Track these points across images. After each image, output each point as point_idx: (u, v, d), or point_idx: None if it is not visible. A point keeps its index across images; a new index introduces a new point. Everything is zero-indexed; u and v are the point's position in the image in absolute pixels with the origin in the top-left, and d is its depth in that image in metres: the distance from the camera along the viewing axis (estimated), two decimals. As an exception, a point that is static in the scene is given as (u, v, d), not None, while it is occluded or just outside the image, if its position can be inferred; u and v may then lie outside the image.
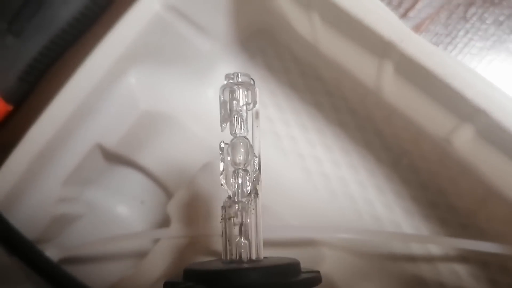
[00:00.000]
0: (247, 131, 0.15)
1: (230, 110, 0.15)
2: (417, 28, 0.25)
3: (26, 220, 0.22)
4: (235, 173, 0.14)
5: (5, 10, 0.25)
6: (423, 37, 0.18)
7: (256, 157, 0.15)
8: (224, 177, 0.15)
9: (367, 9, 0.18)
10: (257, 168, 0.15)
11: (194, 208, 0.22)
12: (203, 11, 0.22)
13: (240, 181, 0.14)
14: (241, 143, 0.15)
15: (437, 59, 0.17)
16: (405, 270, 0.23)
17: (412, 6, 0.25)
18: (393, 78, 0.20)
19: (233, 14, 0.23)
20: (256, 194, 0.14)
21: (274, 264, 0.14)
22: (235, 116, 0.15)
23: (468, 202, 0.22)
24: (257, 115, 0.15)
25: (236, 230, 0.14)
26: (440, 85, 0.17)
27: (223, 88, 0.15)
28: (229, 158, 0.14)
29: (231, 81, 0.15)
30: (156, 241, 0.22)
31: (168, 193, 0.24)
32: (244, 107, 0.15)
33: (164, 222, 0.24)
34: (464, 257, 0.22)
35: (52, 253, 0.23)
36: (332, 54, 0.22)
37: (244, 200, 0.14)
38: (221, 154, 0.15)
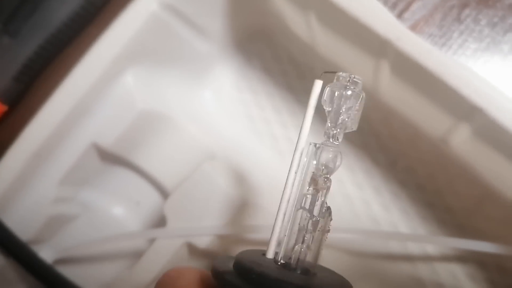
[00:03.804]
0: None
1: (336, 113, 0.14)
2: (411, 30, 0.25)
3: (21, 220, 0.22)
4: (317, 179, 0.14)
5: (1, 10, 0.25)
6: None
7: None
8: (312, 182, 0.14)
9: (363, 8, 0.18)
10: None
11: (190, 208, 0.21)
12: (200, 11, 0.22)
13: (320, 191, 0.14)
14: (332, 150, 0.14)
15: (433, 57, 0.17)
16: (402, 270, 0.23)
17: (406, 8, 0.25)
18: (390, 78, 0.20)
19: (230, 15, 0.23)
20: (329, 209, 0.14)
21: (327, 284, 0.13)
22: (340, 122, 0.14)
23: (465, 203, 0.22)
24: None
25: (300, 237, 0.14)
26: (436, 83, 0.17)
27: (338, 88, 0.14)
28: (314, 162, 0.14)
29: (342, 82, 0.14)
30: (152, 241, 0.22)
31: (164, 194, 0.24)
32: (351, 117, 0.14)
33: (160, 223, 0.23)
34: (462, 257, 0.22)
35: (47, 253, 0.23)
36: (329, 55, 0.22)
37: (318, 213, 0.14)
38: (310, 156, 0.14)
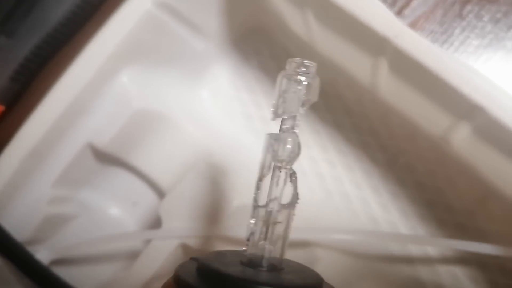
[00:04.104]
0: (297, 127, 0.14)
1: (289, 102, 0.14)
2: (412, 26, 0.24)
3: (17, 221, 0.22)
4: (277, 171, 0.13)
5: (-3, 10, 0.25)
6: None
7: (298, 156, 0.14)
8: (262, 172, 0.14)
9: (361, 5, 0.18)
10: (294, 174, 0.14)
11: (187, 209, 0.21)
12: (196, 9, 0.22)
13: (282, 182, 0.13)
14: (289, 139, 0.14)
15: (432, 55, 0.17)
16: (402, 271, 0.22)
17: (406, 4, 0.25)
18: (389, 76, 0.19)
19: (226, 12, 0.23)
20: (297, 198, 0.14)
21: (294, 284, 0.13)
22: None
23: (466, 202, 0.22)
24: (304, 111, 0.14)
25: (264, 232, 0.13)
26: (436, 81, 0.17)
27: (285, 76, 0.14)
28: (272, 153, 0.14)
29: (298, 70, 0.14)
30: (148, 242, 0.22)
31: (160, 194, 0.24)
32: (303, 104, 0.14)
33: (157, 223, 0.23)
34: (463, 258, 0.22)
35: (44, 254, 0.23)
36: (327, 53, 0.22)
37: (284, 204, 0.13)
38: (268, 147, 0.14)
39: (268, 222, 0.14)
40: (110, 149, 0.23)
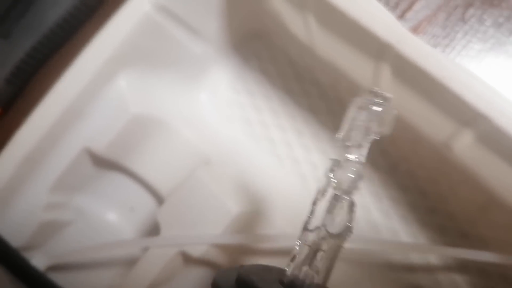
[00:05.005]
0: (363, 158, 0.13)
1: (357, 131, 0.13)
2: (414, 30, 0.24)
3: (12, 226, 0.22)
4: (334, 200, 0.13)
5: (-7, 11, 0.24)
6: (421, 39, 0.18)
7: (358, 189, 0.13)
8: (317, 196, 0.13)
9: (363, 10, 0.17)
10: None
11: (184, 216, 0.21)
12: (195, 12, 0.22)
13: (337, 211, 0.13)
14: (352, 168, 0.13)
15: (435, 61, 0.17)
16: (402, 279, 0.22)
17: (409, 7, 0.25)
18: (391, 81, 0.19)
19: (226, 15, 0.23)
20: (349, 231, 0.13)
21: None
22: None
23: (468, 210, 0.22)
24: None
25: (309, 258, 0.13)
26: (438, 88, 0.17)
27: (361, 106, 0.13)
28: (333, 180, 0.13)
29: (375, 100, 0.13)
30: (146, 249, 0.22)
31: (158, 200, 0.24)
32: (373, 135, 0.13)
33: (155, 229, 0.23)
34: (464, 266, 0.22)
35: (39, 260, 0.23)
36: (328, 57, 0.22)
37: (335, 233, 0.13)
38: (327, 172, 0.13)
39: (314, 248, 0.13)
40: (107, 154, 0.22)
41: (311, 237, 0.13)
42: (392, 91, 0.20)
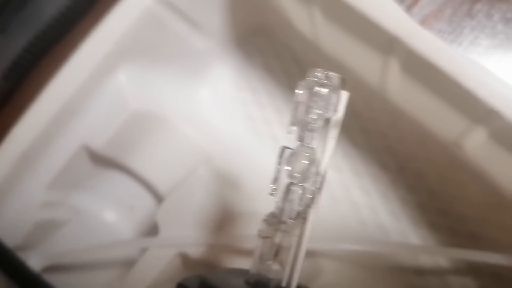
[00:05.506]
0: (316, 141, 0.13)
1: (304, 114, 0.13)
2: (419, 25, 0.24)
3: (8, 225, 0.21)
4: (289, 188, 0.13)
5: (-12, 4, 0.24)
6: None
7: (319, 175, 0.13)
8: (275, 187, 0.13)
9: (371, 2, 0.17)
10: (318, 187, 0.13)
11: (185, 215, 0.21)
12: (197, 6, 0.22)
13: (291, 198, 0.13)
14: (304, 154, 0.13)
15: (447, 56, 0.16)
16: (412, 282, 0.22)
17: (415, 2, 0.24)
18: (399, 77, 0.19)
19: (229, 10, 0.23)
20: (305, 218, 0.13)
21: None
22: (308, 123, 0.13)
23: (479, 210, 0.22)
24: (336, 124, 0.13)
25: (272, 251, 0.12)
26: (450, 84, 0.16)
27: (302, 86, 0.13)
28: (286, 168, 0.13)
29: (314, 79, 0.13)
30: (145, 249, 0.21)
31: (158, 198, 0.23)
32: (321, 114, 0.13)
33: (154, 229, 0.23)
34: (474, 269, 0.21)
35: (35, 261, 0.22)
36: (334, 52, 0.22)
37: (289, 221, 0.12)
38: (279, 160, 0.13)
39: (273, 240, 0.12)
40: (106, 151, 0.22)
41: (266, 228, 0.13)
42: (401, 87, 0.19)
